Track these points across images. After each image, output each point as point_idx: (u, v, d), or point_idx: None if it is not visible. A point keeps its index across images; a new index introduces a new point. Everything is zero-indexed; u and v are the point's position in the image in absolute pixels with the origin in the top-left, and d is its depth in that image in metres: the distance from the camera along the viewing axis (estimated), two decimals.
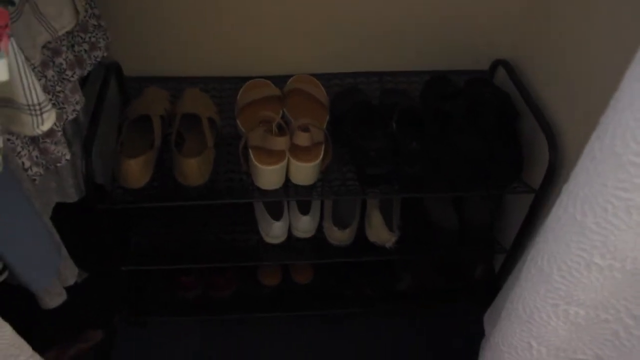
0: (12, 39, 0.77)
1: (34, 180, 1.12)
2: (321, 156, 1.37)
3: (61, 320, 1.37)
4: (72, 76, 1.21)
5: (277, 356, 1.74)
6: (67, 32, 1.18)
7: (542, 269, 0.86)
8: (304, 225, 1.57)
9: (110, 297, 1.73)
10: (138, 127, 1.41)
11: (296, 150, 1.35)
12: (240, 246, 1.64)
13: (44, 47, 1.11)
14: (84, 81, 1.38)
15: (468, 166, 1.39)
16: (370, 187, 1.42)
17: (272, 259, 1.65)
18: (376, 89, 1.65)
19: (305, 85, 1.55)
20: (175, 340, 1.75)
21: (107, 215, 1.38)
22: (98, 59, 1.35)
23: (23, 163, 1.07)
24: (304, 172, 1.37)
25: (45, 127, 0.92)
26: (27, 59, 1.02)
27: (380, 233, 1.56)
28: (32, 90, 0.86)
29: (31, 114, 0.89)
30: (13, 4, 0.81)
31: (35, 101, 0.88)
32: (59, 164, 1.20)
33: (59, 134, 1.16)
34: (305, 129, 1.35)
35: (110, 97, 1.48)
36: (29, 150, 1.08)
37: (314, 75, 1.61)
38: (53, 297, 1.25)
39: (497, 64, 1.62)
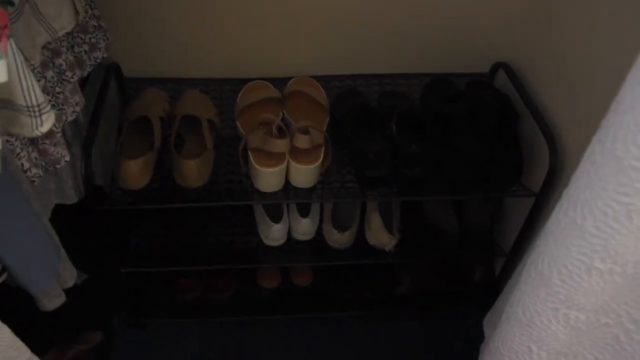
0: (11, 39, 0.77)
1: (33, 181, 1.11)
2: (321, 158, 1.37)
3: (60, 321, 1.37)
4: (72, 77, 1.20)
5: (276, 359, 1.73)
6: (67, 33, 1.18)
7: (542, 272, 0.86)
8: (304, 228, 1.57)
9: (110, 298, 1.72)
10: (138, 129, 1.40)
11: (296, 153, 1.35)
12: (240, 248, 1.63)
13: (43, 47, 1.11)
14: (83, 82, 1.38)
15: (468, 169, 1.38)
16: (370, 190, 1.42)
17: (272, 262, 1.65)
18: (376, 91, 1.64)
19: (305, 87, 1.55)
20: (175, 342, 1.75)
21: (106, 216, 1.37)
22: (98, 60, 1.34)
23: (22, 164, 1.07)
24: (304, 174, 1.37)
25: (44, 128, 0.92)
26: (26, 59, 1.01)
27: (380, 236, 1.56)
28: (31, 92, 0.86)
29: (30, 116, 0.89)
30: (12, 4, 0.81)
31: (34, 102, 0.88)
32: (58, 165, 1.19)
33: (59, 135, 1.16)
34: (305, 131, 1.35)
35: (110, 98, 1.48)
36: (28, 152, 1.08)
37: (314, 77, 1.61)
38: (52, 299, 1.25)
39: (497, 66, 1.62)
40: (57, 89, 1.16)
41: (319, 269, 1.83)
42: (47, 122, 0.92)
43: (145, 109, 1.42)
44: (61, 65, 1.17)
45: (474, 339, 1.35)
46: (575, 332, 0.89)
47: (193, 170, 1.31)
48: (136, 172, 1.30)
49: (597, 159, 0.68)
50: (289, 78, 1.59)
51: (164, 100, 1.51)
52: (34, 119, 0.90)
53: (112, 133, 1.44)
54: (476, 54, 1.63)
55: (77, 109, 1.24)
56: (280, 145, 1.32)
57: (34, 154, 1.11)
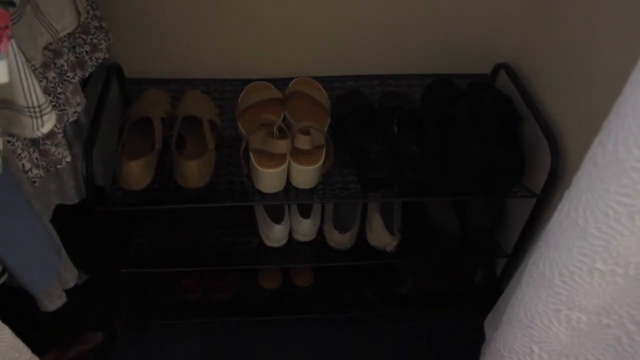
0: (12, 40, 0.77)
1: (34, 182, 1.12)
2: (322, 159, 1.37)
3: (61, 322, 1.37)
4: (73, 78, 1.20)
5: (278, 359, 1.73)
6: (69, 34, 1.18)
7: (543, 273, 0.86)
8: (305, 229, 1.57)
9: (111, 299, 1.72)
10: (139, 129, 1.40)
11: (297, 154, 1.35)
12: (241, 249, 1.63)
13: (45, 48, 1.11)
14: (85, 83, 1.38)
15: (469, 170, 1.38)
16: (371, 191, 1.42)
17: (273, 262, 1.65)
18: (377, 92, 1.64)
19: (307, 88, 1.55)
20: (176, 343, 1.75)
21: (107, 217, 1.37)
22: (99, 61, 1.35)
23: (23, 165, 1.07)
24: (305, 175, 1.37)
25: (45, 129, 0.92)
26: (28, 60, 1.02)
27: (381, 237, 1.56)
28: (32, 92, 0.86)
29: (31, 116, 0.89)
30: (14, 5, 0.81)
31: (35, 103, 0.88)
32: (59, 166, 1.19)
33: (60, 135, 1.16)
34: (306, 132, 1.35)
35: (112, 98, 1.48)
36: (29, 152, 1.08)
37: (316, 78, 1.61)
38: (53, 300, 1.25)
39: (498, 67, 1.62)
40: (59, 90, 1.16)
41: (320, 269, 1.83)
42: (48, 123, 0.92)
43: (147, 110, 1.42)
44: (63, 65, 1.17)
45: (475, 340, 1.35)
46: (577, 334, 0.89)
47: (194, 171, 1.31)
48: (137, 172, 1.30)
49: (599, 161, 0.68)
50: (290, 79, 1.59)
51: (166, 100, 1.51)
52: (34, 120, 0.90)
53: (113, 134, 1.44)
54: (477, 54, 1.63)
55: (79, 109, 1.24)
56: (281, 146, 1.32)
57: (35, 155, 1.11)
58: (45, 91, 1.11)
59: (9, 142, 1.01)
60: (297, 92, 1.55)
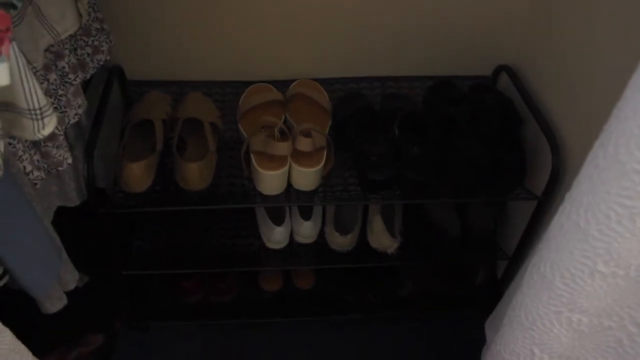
0: (13, 42, 0.77)
1: (35, 184, 1.12)
2: (323, 161, 1.37)
3: (62, 324, 1.37)
4: (75, 80, 1.21)
5: None
6: (70, 36, 1.18)
7: (544, 275, 0.86)
8: (306, 231, 1.57)
9: (111, 301, 1.73)
10: (140, 131, 1.40)
11: (298, 156, 1.35)
12: (242, 251, 1.63)
13: (46, 50, 1.11)
14: (86, 85, 1.38)
15: (471, 172, 1.38)
16: (372, 193, 1.42)
17: (274, 265, 1.65)
18: (378, 94, 1.64)
19: (308, 90, 1.55)
20: (176, 344, 1.75)
21: (108, 219, 1.37)
22: (101, 63, 1.35)
23: (24, 167, 1.07)
24: (306, 177, 1.37)
25: (46, 131, 0.92)
26: (29, 62, 1.02)
27: (382, 239, 1.56)
28: (33, 95, 0.86)
29: (32, 119, 0.89)
30: (15, 7, 0.81)
31: (37, 105, 0.88)
32: (60, 168, 1.19)
33: (61, 137, 1.16)
34: (307, 134, 1.35)
35: (113, 100, 1.48)
36: (30, 154, 1.08)
37: (317, 80, 1.61)
38: (53, 302, 1.25)
39: (499, 69, 1.62)
40: (60, 92, 1.16)
41: (321, 271, 1.83)
42: (49, 125, 0.92)
43: (148, 112, 1.42)
44: (64, 67, 1.17)
45: (476, 342, 1.34)
46: (578, 335, 0.89)
47: (195, 173, 1.31)
48: (138, 174, 1.30)
49: (600, 163, 0.68)
50: (292, 81, 1.59)
51: (167, 103, 1.51)
52: (35, 122, 0.90)
53: (114, 136, 1.44)
54: (479, 56, 1.63)
55: (80, 111, 1.24)
56: (282, 148, 1.32)
57: (36, 157, 1.11)
58: (47, 93, 1.11)
59: (10, 144, 1.02)
60: (298, 94, 1.55)
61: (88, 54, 1.30)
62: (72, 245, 1.29)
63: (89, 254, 1.42)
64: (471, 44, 1.61)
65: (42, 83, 1.09)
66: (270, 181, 1.35)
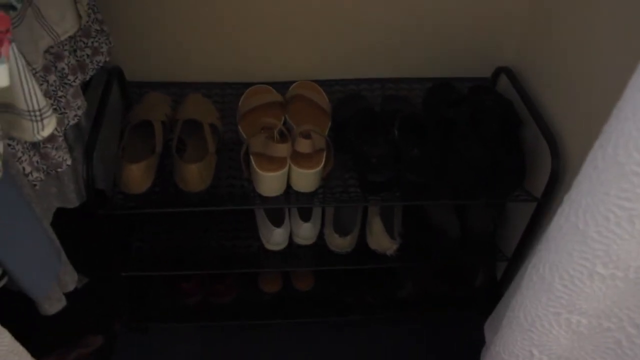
0: (13, 44, 0.77)
1: (35, 185, 1.12)
2: (322, 163, 1.37)
3: (61, 325, 1.37)
4: (74, 81, 1.21)
5: None
6: (70, 37, 1.18)
7: (543, 277, 0.86)
8: (305, 232, 1.57)
9: (111, 302, 1.73)
10: (140, 133, 1.40)
11: (297, 157, 1.35)
12: (241, 253, 1.63)
13: (46, 51, 1.11)
14: (86, 86, 1.38)
15: (470, 174, 1.38)
16: (372, 194, 1.42)
17: (273, 266, 1.65)
18: (378, 95, 1.64)
19: (307, 92, 1.55)
20: (176, 346, 1.75)
21: (107, 220, 1.37)
22: (100, 64, 1.35)
23: (24, 168, 1.07)
24: (305, 179, 1.37)
25: (46, 133, 0.92)
26: (29, 63, 1.02)
27: (381, 240, 1.56)
28: (32, 96, 0.86)
29: (31, 120, 0.89)
30: (15, 8, 0.81)
31: (36, 107, 0.88)
32: (59, 169, 1.19)
33: (60, 139, 1.16)
34: (306, 136, 1.35)
35: (112, 102, 1.48)
36: (29, 156, 1.08)
37: (316, 81, 1.61)
38: (53, 303, 1.25)
39: (499, 71, 1.62)
40: (59, 93, 1.16)
41: (320, 273, 1.83)
42: (49, 127, 0.92)
43: (147, 113, 1.42)
44: (63, 69, 1.17)
45: (476, 344, 1.34)
46: (577, 337, 0.89)
47: (195, 175, 1.31)
48: (138, 176, 1.30)
49: (599, 165, 0.68)
50: (291, 82, 1.59)
51: (166, 104, 1.51)
52: (35, 123, 0.90)
53: (114, 137, 1.44)
54: (478, 58, 1.63)
55: (79, 112, 1.24)
56: (281, 149, 1.32)
57: (36, 158, 1.11)
58: (46, 94, 1.11)
59: (9, 145, 1.02)
60: (297, 96, 1.55)
61: (88, 55, 1.30)
62: (72, 246, 1.29)
63: (88, 255, 1.42)
64: (471, 45, 1.61)
65: (41, 84, 1.09)
66: (269, 183, 1.35)
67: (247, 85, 1.60)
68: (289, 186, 1.39)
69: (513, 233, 1.60)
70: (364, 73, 1.65)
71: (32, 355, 1.01)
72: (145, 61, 1.58)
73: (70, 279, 1.30)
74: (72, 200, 1.34)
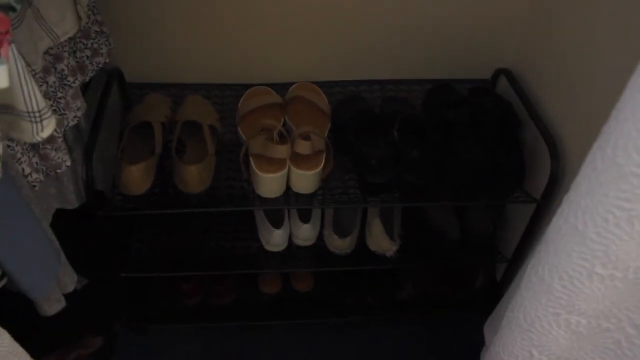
0: (12, 45, 0.77)
1: (34, 186, 1.12)
2: (322, 164, 1.37)
3: (60, 326, 1.37)
4: (74, 82, 1.21)
5: None
6: (69, 38, 1.18)
7: (543, 278, 0.86)
8: (305, 234, 1.57)
9: (110, 303, 1.73)
10: (139, 134, 1.40)
11: (297, 159, 1.35)
12: (241, 254, 1.63)
13: (45, 53, 1.11)
14: (85, 87, 1.38)
15: (470, 175, 1.38)
16: (372, 196, 1.42)
17: (273, 267, 1.65)
18: (378, 97, 1.64)
19: (307, 93, 1.55)
20: (175, 347, 1.74)
21: (107, 221, 1.37)
22: (100, 65, 1.35)
23: (23, 169, 1.07)
24: (305, 180, 1.37)
25: (45, 134, 0.92)
26: (28, 64, 1.02)
27: (381, 242, 1.56)
28: (32, 97, 0.86)
29: (31, 121, 0.89)
30: (14, 10, 0.81)
31: (35, 108, 0.88)
32: (59, 170, 1.19)
33: (60, 140, 1.16)
34: (306, 137, 1.35)
35: (112, 103, 1.48)
36: (29, 157, 1.08)
37: (316, 83, 1.61)
38: (52, 304, 1.25)
39: (499, 72, 1.62)
40: (59, 94, 1.16)
41: (319, 274, 1.83)
42: (48, 128, 0.92)
43: (147, 114, 1.42)
44: (63, 70, 1.17)
45: (475, 344, 1.34)
46: (577, 337, 0.89)
47: (194, 176, 1.31)
48: (137, 177, 1.30)
49: (598, 166, 0.68)
50: (291, 84, 1.60)
51: (166, 105, 1.51)
52: (34, 125, 0.90)
53: (113, 138, 1.44)
54: (478, 60, 1.63)
55: (79, 114, 1.24)
56: (281, 151, 1.32)
57: (35, 159, 1.11)
58: (46, 95, 1.11)
59: (8, 146, 1.02)
60: (297, 97, 1.55)
61: (87, 56, 1.30)
62: (71, 247, 1.29)
63: (88, 257, 1.42)
64: (470, 47, 1.61)
65: (41, 85, 1.09)
66: (269, 184, 1.35)
67: (247, 86, 1.60)
68: (288, 187, 1.39)
69: (512, 234, 1.60)
70: (363, 74, 1.66)
71: (32, 356, 1.01)
72: (144, 62, 1.58)
73: (70, 280, 1.30)
74: (72, 201, 1.34)
